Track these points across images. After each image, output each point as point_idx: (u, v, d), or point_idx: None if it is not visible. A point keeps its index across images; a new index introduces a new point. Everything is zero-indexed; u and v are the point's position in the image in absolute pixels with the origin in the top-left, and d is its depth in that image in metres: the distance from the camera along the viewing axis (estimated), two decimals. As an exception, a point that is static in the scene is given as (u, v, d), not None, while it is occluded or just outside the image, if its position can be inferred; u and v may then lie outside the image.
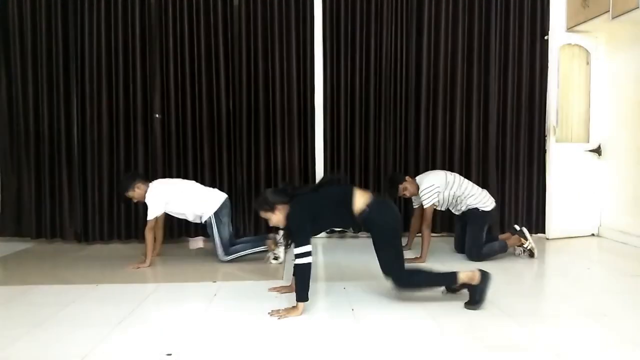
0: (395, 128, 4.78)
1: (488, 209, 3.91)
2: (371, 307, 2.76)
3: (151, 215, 3.71)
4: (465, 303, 2.71)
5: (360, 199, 2.68)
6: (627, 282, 3.35)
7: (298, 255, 2.58)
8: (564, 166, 4.77)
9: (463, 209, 3.95)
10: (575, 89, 4.91)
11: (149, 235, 3.74)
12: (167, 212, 3.86)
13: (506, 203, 4.86)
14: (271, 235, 3.92)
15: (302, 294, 2.61)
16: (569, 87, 4.88)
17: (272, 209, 2.73)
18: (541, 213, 4.87)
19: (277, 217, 2.74)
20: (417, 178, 4.03)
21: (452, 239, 4.29)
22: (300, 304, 2.61)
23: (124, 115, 4.62)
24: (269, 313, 2.63)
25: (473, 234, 3.88)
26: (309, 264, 2.59)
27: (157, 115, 4.61)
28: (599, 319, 2.59)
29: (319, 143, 4.79)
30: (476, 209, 3.88)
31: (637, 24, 4.26)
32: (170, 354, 2.17)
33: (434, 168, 4.56)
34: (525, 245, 3.95)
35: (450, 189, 3.89)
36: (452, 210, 4.06)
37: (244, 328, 2.49)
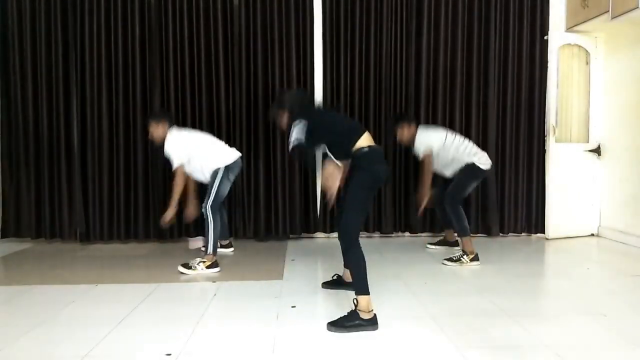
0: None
1: (484, 167, 3.87)
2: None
3: (177, 162, 3.61)
4: (331, 321, 2.48)
5: (366, 140, 2.64)
6: (627, 282, 3.35)
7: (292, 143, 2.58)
8: (563, 166, 4.77)
9: (458, 167, 3.88)
10: (574, 89, 4.92)
11: (179, 180, 3.61)
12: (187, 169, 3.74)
13: (506, 203, 4.86)
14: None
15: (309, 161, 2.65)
16: (568, 87, 4.88)
17: (283, 109, 2.71)
18: (541, 213, 4.87)
19: (284, 120, 2.70)
20: (419, 129, 3.96)
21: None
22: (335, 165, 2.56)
23: (124, 115, 4.62)
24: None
25: (458, 181, 3.85)
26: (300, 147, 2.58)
27: (157, 115, 4.61)
28: (599, 319, 2.59)
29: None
30: (472, 163, 3.84)
31: (637, 24, 4.26)
32: (170, 354, 2.17)
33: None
34: (463, 257, 3.75)
35: (448, 150, 3.85)
36: (445, 172, 3.99)
37: (243, 328, 2.49)
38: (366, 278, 2.51)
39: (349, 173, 2.68)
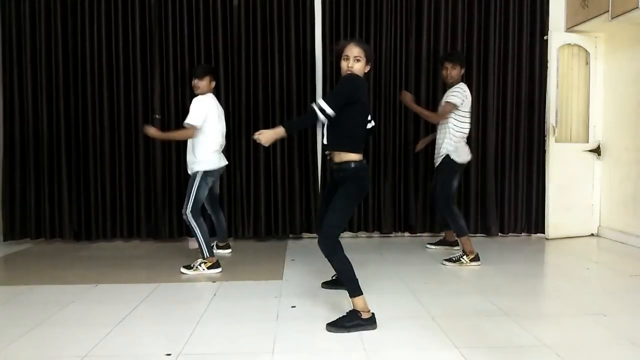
0: (395, 128, 4.78)
1: (459, 160, 3.85)
2: (370, 307, 2.75)
3: (193, 120, 3.50)
4: (331, 322, 2.49)
5: (361, 153, 2.68)
6: (627, 282, 3.35)
7: (320, 106, 2.50)
8: (563, 166, 4.77)
9: (442, 148, 3.88)
10: (574, 89, 4.92)
11: (183, 132, 3.59)
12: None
13: (506, 203, 4.86)
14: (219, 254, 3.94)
15: (293, 128, 2.87)
16: (568, 87, 4.88)
17: (367, 59, 2.66)
18: (541, 213, 4.87)
19: (362, 65, 2.65)
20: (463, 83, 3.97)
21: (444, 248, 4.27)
22: (281, 130, 2.52)
23: (124, 115, 4.62)
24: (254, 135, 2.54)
25: (442, 182, 3.86)
26: (317, 117, 2.52)
27: (157, 116, 4.60)
28: (599, 319, 2.59)
29: (319, 143, 4.79)
30: (447, 156, 3.83)
31: (637, 24, 4.26)
32: (170, 354, 2.17)
33: (432, 168, 4.56)
34: (463, 257, 3.76)
35: (462, 116, 3.83)
36: (436, 153, 4.02)
37: (243, 328, 2.50)
38: (356, 278, 2.51)
39: (336, 182, 2.65)
